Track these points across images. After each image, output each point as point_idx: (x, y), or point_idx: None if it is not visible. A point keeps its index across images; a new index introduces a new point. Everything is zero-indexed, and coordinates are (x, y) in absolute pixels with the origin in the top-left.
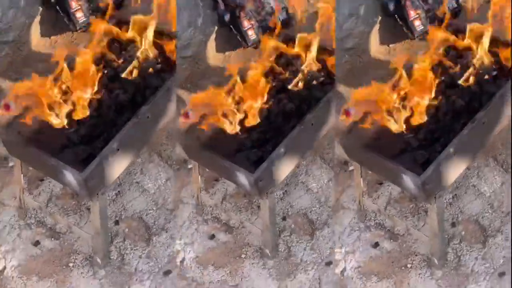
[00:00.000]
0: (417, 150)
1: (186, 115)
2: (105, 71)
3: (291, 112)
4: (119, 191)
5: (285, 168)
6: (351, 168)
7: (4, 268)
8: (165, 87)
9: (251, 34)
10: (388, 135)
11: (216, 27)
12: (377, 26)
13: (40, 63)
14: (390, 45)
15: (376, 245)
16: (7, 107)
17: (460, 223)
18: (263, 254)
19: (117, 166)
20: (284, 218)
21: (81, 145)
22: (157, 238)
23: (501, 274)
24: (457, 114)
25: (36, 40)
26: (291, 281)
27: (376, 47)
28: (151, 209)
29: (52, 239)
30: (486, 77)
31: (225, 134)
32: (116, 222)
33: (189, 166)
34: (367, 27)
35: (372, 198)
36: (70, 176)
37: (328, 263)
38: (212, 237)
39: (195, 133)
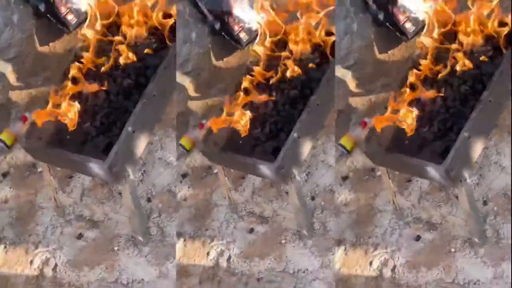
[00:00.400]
0: (434, 142)
1: (202, 126)
2: (106, 63)
3: (295, 98)
4: (144, 171)
5: (302, 151)
6: (378, 173)
7: (56, 265)
8: (163, 64)
9: (243, 36)
10: (405, 135)
11: (210, 38)
12: (372, 38)
13: (45, 71)
14: (389, 52)
15: (418, 238)
16: (24, 118)
17: (490, 200)
18: (301, 235)
19: (137, 147)
20: (313, 198)
21: (99, 136)
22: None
23: None
24: (464, 99)
25: (37, 51)
26: (333, 254)
27: (377, 57)
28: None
29: (93, 229)
30: (482, 58)
31: (239, 134)
32: (148, 200)
33: (215, 171)
34: (363, 41)
35: (404, 196)
36: (95, 167)
37: None
38: (251, 231)
39: (212, 140)
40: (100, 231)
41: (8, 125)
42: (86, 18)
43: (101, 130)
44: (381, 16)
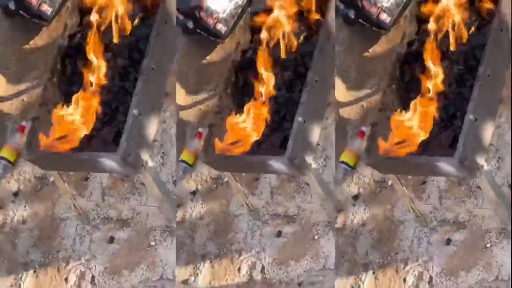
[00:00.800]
0: (439, 134)
1: (200, 135)
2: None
3: (291, 79)
4: (163, 153)
5: (312, 136)
6: (389, 182)
7: (93, 277)
8: (154, 32)
9: (221, 28)
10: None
11: (185, 39)
12: (349, 40)
13: (32, 71)
14: (370, 50)
15: (448, 241)
16: (22, 128)
17: None
18: (333, 225)
19: (148, 130)
20: None
21: (104, 127)
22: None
23: None
24: (460, 80)
25: (18, 53)
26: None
27: (359, 59)
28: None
29: (124, 228)
30: (470, 31)
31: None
32: (175, 183)
33: (225, 180)
34: (340, 45)
35: (423, 200)
36: (107, 161)
37: None
38: (279, 234)
39: (212, 147)
40: (132, 229)
41: (6, 141)
42: (62, 5)
43: (106, 120)
44: (351, 14)
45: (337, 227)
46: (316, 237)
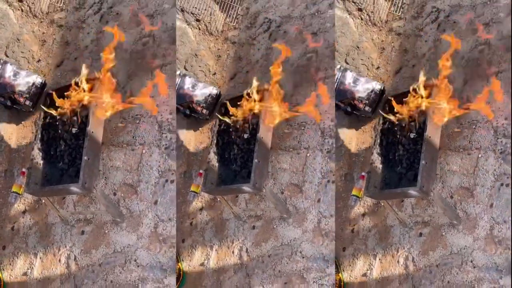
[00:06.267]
0: (406, 174)
1: (201, 174)
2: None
3: (249, 139)
4: (105, 177)
5: (264, 169)
6: (382, 204)
7: (75, 256)
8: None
9: (205, 112)
10: (388, 176)
11: (185, 121)
12: (348, 124)
13: (25, 139)
14: (362, 128)
15: (420, 234)
16: (23, 173)
17: (454, 194)
18: (283, 218)
19: (94, 166)
20: (282, 192)
21: (69, 169)
22: (140, 189)
23: (491, 205)
24: (414, 141)
25: (16, 129)
26: (306, 223)
27: (354, 133)
28: (128, 174)
29: (89, 225)
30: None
31: (224, 172)
32: (114, 194)
33: (218, 199)
34: (343, 127)
35: (402, 211)
36: (74, 188)
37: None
38: (254, 227)
39: (209, 181)
40: (93, 225)
41: (14, 181)
42: (37, 99)
43: (70, 164)
44: (349, 109)
45: (353, 234)
46: (275, 226)
